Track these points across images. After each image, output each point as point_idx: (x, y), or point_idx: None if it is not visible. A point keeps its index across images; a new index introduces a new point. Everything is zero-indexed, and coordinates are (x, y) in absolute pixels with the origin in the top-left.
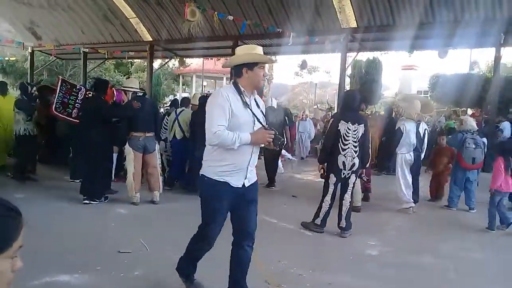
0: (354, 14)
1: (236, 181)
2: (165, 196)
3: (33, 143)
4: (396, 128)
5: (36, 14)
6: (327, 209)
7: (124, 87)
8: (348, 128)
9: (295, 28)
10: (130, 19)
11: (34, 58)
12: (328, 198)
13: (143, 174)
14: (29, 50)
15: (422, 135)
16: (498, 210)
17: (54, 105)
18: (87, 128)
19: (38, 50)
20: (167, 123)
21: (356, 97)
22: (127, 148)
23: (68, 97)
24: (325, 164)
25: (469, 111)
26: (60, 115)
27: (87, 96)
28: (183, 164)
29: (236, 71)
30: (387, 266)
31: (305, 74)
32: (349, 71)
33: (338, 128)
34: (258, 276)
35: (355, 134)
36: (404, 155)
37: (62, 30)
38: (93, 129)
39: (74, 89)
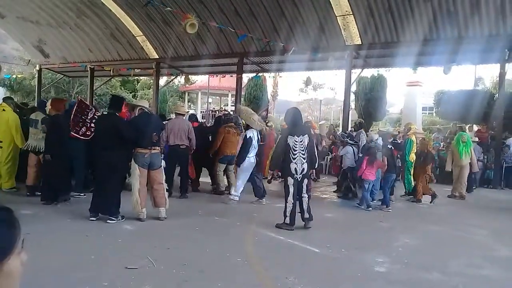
0: (358, 31)
1: None
2: (171, 212)
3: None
4: (247, 137)
5: (44, 33)
6: (291, 207)
7: (133, 104)
8: (295, 140)
9: (299, 45)
10: (136, 37)
11: (42, 76)
12: (290, 198)
13: (148, 190)
14: (37, 68)
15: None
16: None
17: (71, 127)
18: (104, 147)
19: (45, 68)
20: None
21: (299, 114)
22: (133, 164)
23: (80, 116)
24: (275, 170)
25: (475, 127)
26: (73, 133)
27: (95, 115)
28: None
29: None
30: (395, 283)
31: (310, 90)
32: (354, 88)
33: (288, 142)
34: None
35: (301, 144)
36: (250, 159)
37: (70, 48)
38: (109, 148)
39: (87, 109)
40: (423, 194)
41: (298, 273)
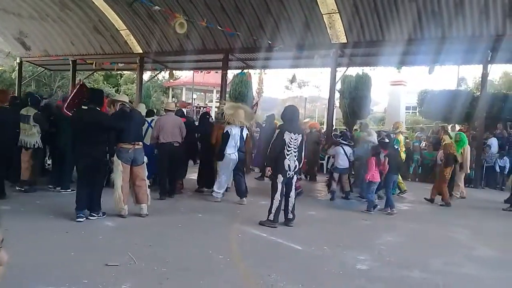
0: (344, 29)
1: None
2: (153, 209)
3: (41, 155)
4: (224, 131)
5: (26, 25)
6: (277, 205)
7: (114, 99)
8: (291, 137)
9: (285, 42)
10: (120, 31)
11: (23, 69)
12: (278, 195)
13: (129, 186)
14: (17, 60)
15: (244, 138)
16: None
17: (66, 105)
18: (84, 143)
19: (26, 61)
20: None
21: (297, 112)
22: (116, 160)
23: (81, 98)
24: (272, 166)
25: (457, 127)
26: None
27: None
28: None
29: None
30: (376, 281)
31: (295, 88)
32: (338, 86)
33: (284, 138)
34: None
35: (295, 142)
36: (230, 155)
37: (52, 41)
38: (91, 144)
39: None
40: (438, 195)
41: (280, 270)
